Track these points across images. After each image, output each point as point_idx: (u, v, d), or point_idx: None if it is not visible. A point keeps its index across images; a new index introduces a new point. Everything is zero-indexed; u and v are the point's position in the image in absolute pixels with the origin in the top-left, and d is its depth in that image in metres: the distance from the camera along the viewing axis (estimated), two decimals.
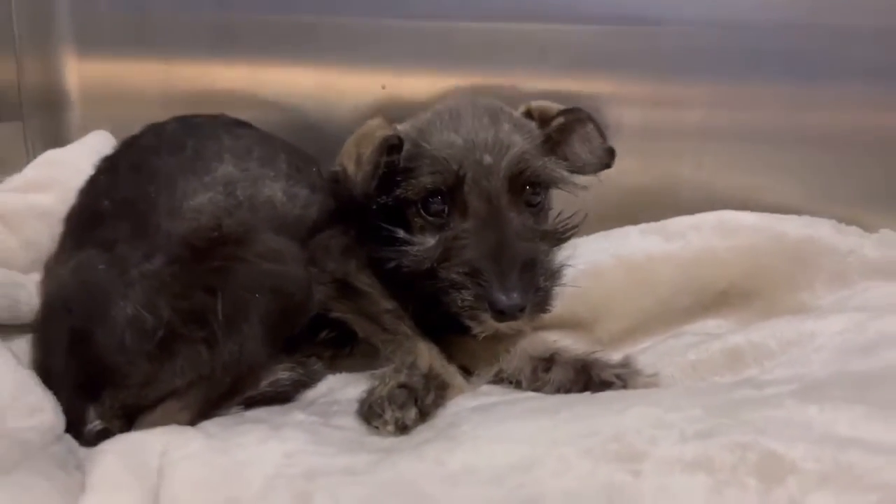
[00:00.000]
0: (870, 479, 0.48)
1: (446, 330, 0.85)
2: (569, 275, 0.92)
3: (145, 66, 1.08)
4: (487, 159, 0.79)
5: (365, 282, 0.86)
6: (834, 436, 0.53)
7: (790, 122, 1.05)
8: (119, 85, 1.10)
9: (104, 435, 0.67)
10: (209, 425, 0.70)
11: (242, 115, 0.95)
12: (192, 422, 0.72)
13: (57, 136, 1.11)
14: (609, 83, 1.05)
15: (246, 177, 0.83)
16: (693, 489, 0.50)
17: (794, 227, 0.97)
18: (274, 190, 0.84)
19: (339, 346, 0.91)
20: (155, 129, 0.87)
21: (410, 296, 0.84)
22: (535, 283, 0.74)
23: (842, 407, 0.57)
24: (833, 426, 0.55)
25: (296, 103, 1.09)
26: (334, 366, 0.91)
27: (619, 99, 1.05)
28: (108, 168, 0.84)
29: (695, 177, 1.07)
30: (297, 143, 0.98)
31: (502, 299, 0.72)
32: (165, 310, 0.71)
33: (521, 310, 0.73)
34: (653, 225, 0.99)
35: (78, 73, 1.11)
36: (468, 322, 0.77)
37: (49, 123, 1.11)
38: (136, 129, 0.89)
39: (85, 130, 1.08)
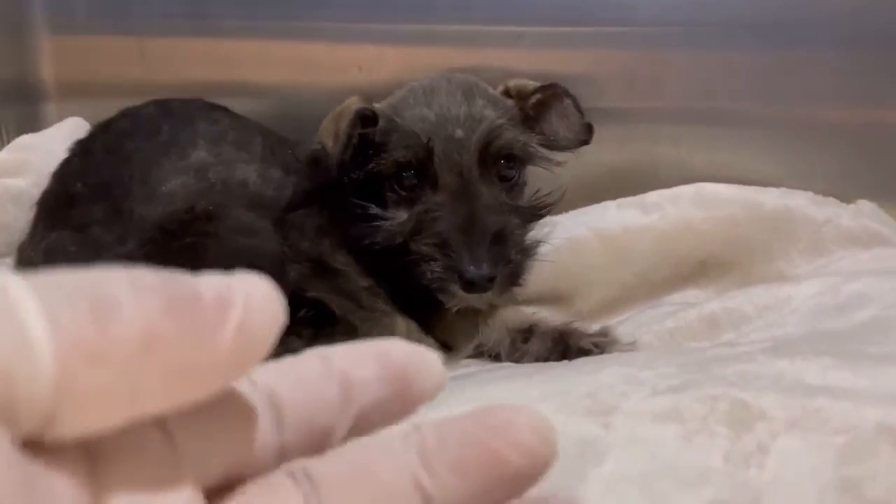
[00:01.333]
0: (837, 422, 0.48)
1: (424, 306, 0.85)
2: (546, 250, 0.94)
3: (121, 49, 1.07)
4: (459, 133, 0.79)
5: (340, 260, 0.86)
6: (803, 385, 0.54)
7: (766, 98, 1.06)
8: (95, 70, 1.09)
9: None
10: None
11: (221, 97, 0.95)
12: None
13: (32, 125, 1.10)
14: (584, 62, 1.05)
15: (219, 161, 0.83)
16: (663, 438, 0.50)
17: (770, 198, 0.98)
18: (248, 172, 0.84)
19: (319, 325, 0.91)
20: (130, 113, 0.87)
21: (387, 272, 0.84)
22: (505, 255, 0.75)
23: (811, 359, 0.58)
24: (802, 376, 0.55)
25: (274, 84, 1.08)
26: (315, 345, 0.90)
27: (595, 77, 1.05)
28: (83, 151, 0.83)
29: (672, 155, 1.07)
30: (276, 124, 0.98)
31: (471, 270, 0.72)
32: None
33: (491, 280, 0.73)
34: (630, 199, 0.99)
35: (52, 59, 1.10)
36: (439, 295, 0.78)
37: (23, 112, 1.10)
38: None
39: (60, 119, 1.07)
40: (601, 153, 1.07)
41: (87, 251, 0.72)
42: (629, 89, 1.05)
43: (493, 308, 0.87)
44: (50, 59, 1.09)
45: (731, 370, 0.59)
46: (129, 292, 0.17)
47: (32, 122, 1.09)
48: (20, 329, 0.15)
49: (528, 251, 0.80)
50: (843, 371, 0.55)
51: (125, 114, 0.87)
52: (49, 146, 0.90)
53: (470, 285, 0.73)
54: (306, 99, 1.08)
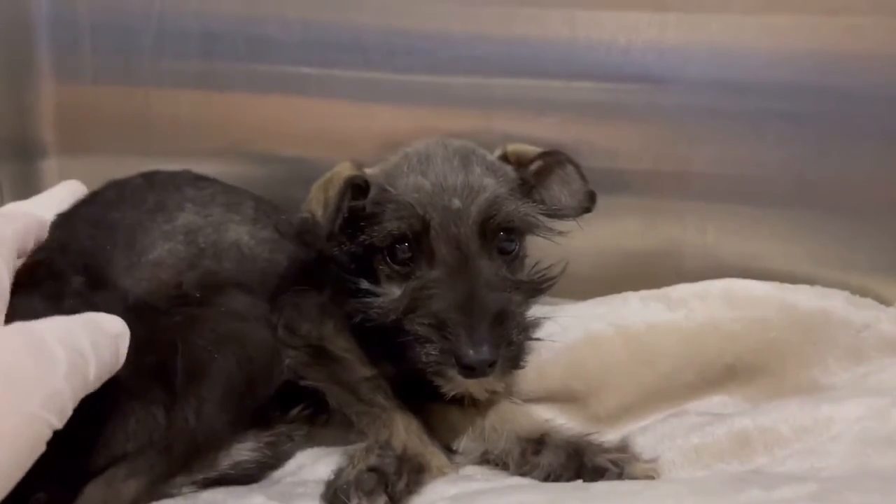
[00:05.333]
0: None
1: (429, 398, 0.78)
2: (561, 345, 0.87)
3: (125, 103, 1.04)
4: (456, 203, 0.73)
5: (342, 346, 0.80)
6: None
7: (798, 186, 1.00)
8: (97, 126, 1.05)
9: None
10: None
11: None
12: (140, 496, 0.66)
13: (31, 182, 1.07)
14: (610, 141, 1.00)
15: (209, 223, 0.78)
16: None
17: (805, 298, 0.91)
18: (239, 234, 0.80)
19: (315, 420, 0.84)
20: (117, 184, 0.83)
21: (388, 355, 0.77)
22: (506, 336, 0.69)
23: None
24: None
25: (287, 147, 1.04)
26: (309, 437, 0.84)
27: (621, 158, 1.00)
28: (64, 223, 0.79)
29: (698, 242, 1.01)
30: (286, 189, 0.94)
31: (470, 354, 0.66)
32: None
33: (491, 365, 0.67)
34: (655, 292, 0.92)
35: (54, 114, 1.06)
36: (434, 379, 0.72)
37: (22, 168, 1.07)
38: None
39: (60, 176, 1.03)
40: (623, 239, 1.02)
41: None
42: (653, 175, 1.00)
43: (500, 409, 0.80)
44: (52, 114, 1.06)
45: None
46: None
47: (32, 179, 1.06)
48: None
49: (529, 330, 0.74)
50: None
51: (111, 185, 0.83)
52: (45, 212, 0.85)
53: (468, 370, 0.67)
54: (321, 163, 1.03)
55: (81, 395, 0.54)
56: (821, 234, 1.00)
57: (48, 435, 0.50)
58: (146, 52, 1.03)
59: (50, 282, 0.71)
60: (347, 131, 1.02)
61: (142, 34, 1.03)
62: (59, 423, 0.51)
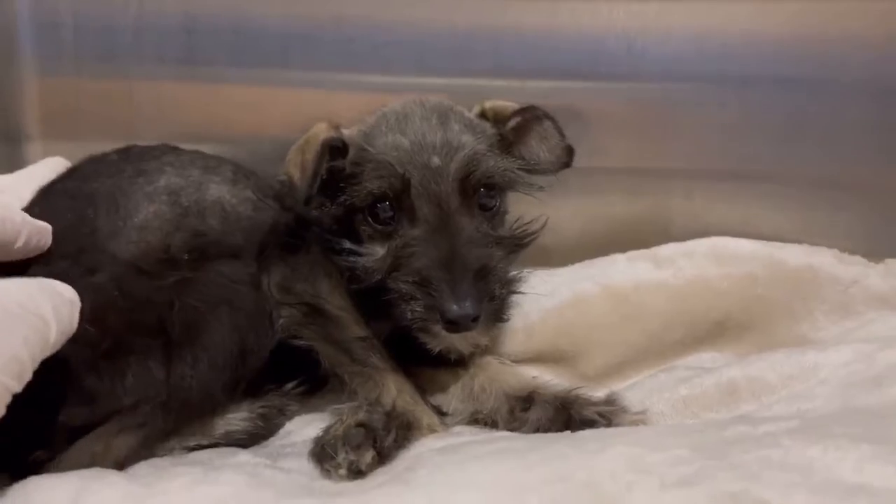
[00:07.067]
0: None
1: (422, 361, 0.78)
2: (550, 305, 0.87)
3: (109, 90, 1.03)
4: (436, 161, 0.74)
5: (337, 304, 0.80)
6: (837, 482, 0.46)
7: (785, 152, 1.00)
8: (82, 110, 1.05)
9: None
10: (142, 466, 0.64)
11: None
12: (131, 452, 0.66)
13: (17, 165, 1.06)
14: (591, 114, 1.00)
15: (190, 182, 0.78)
16: None
17: (793, 255, 0.91)
18: (221, 192, 0.79)
19: (310, 392, 0.84)
20: (93, 159, 0.83)
21: (382, 318, 0.77)
22: (489, 291, 0.69)
23: (846, 447, 0.50)
24: (837, 470, 0.48)
25: (265, 131, 1.04)
26: (300, 404, 0.84)
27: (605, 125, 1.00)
28: (43, 198, 0.78)
29: (685, 208, 1.01)
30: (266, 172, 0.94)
31: (454, 309, 0.67)
32: (114, 321, 0.66)
33: (475, 319, 0.68)
34: (642, 252, 0.93)
35: (39, 99, 1.06)
36: (420, 335, 0.72)
37: (8, 151, 1.07)
38: None
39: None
40: (610, 205, 1.02)
41: None
42: (639, 142, 1.00)
43: (489, 370, 0.80)
44: (35, 103, 1.06)
45: (754, 456, 0.51)
46: None
47: (17, 163, 1.05)
48: None
49: (511, 284, 0.74)
50: (886, 465, 0.47)
51: (88, 160, 0.83)
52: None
53: (453, 325, 0.68)
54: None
55: (41, 357, 0.54)
56: (807, 200, 1.00)
57: (7, 398, 0.50)
58: (128, 40, 1.03)
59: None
60: (330, 116, 1.02)
61: (123, 21, 1.03)
62: (18, 387, 0.51)
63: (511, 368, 0.82)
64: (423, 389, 0.80)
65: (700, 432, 0.59)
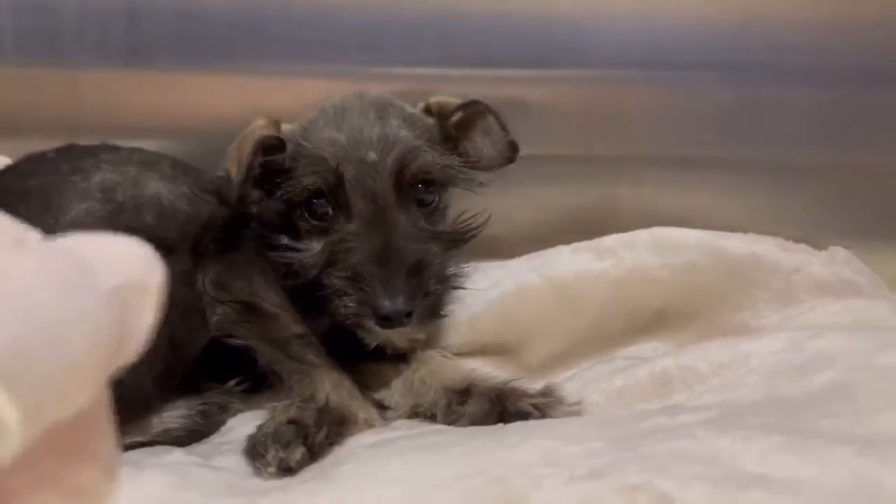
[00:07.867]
0: None
1: (364, 356, 0.79)
2: (493, 297, 0.87)
3: (52, 83, 1.02)
4: (372, 156, 0.73)
5: (273, 302, 0.79)
6: (738, 473, 0.47)
7: (732, 139, 1.01)
8: (24, 106, 1.03)
9: None
10: None
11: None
12: None
13: None
14: (539, 102, 1.00)
15: (126, 179, 0.77)
16: None
17: (735, 243, 0.92)
18: (158, 188, 0.78)
19: (254, 390, 0.84)
20: (32, 157, 0.82)
21: (324, 315, 0.78)
22: (423, 286, 0.69)
23: (755, 437, 0.51)
24: (741, 460, 0.49)
25: (211, 120, 1.03)
26: (243, 401, 0.84)
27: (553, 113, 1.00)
28: None
29: (634, 197, 1.01)
30: (214, 163, 0.93)
31: (386, 304, 0.67)
32: None
33: (409, 315, 0.68)
34: (586, 243, 0.93)
35: None
36: (356, 331, 0.73)
37: None
38: None
39: None
40: (558, 195, 1.02)
41: None
42: (587, 130, 1.00)
43: (430, 363, 0.80)
44: None
45: (664, 448, 0.52)
46: None
47: None
48: None
49: (449, 280, 0.74)
50: (787, 454, 0.48)
51: (27, 157, 0.82)
52: None
53: (385, 320, 0.68)
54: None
55: None
56: (754, 188, 1.01)
57: None
58: (70, 31, 1.01)
59: None
60: (279, 106, 1.01)
61: (64, 12, 1.01)
62: None
63: (452, 362, 0.83)
64: (368, 385, 0.80)
65: (620, 424, 0.59)
